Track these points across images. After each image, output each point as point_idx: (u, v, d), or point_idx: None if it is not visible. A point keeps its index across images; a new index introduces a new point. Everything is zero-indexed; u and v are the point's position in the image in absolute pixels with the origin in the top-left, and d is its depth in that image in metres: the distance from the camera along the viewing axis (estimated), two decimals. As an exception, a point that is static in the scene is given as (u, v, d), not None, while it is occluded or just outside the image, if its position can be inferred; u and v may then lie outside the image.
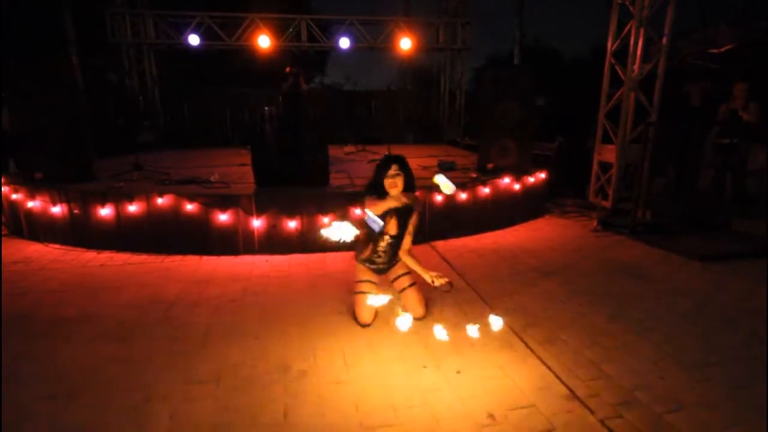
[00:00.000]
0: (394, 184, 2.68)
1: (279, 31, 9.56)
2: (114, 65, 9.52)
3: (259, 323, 2.94)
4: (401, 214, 2.77)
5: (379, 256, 2.87)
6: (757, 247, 4.35)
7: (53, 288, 3.53)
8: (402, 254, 2.93)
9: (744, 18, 6.16)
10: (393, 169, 2.68)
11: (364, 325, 2.86)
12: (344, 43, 9.55)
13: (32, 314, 3.07)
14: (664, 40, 5.12)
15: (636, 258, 4.24)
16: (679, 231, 4.88)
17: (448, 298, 3.29)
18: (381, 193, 2.71)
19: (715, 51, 6.20)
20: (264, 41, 9.15)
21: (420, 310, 2.91)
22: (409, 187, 2.76)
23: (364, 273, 2.93)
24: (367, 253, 2.87)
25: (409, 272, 2.96)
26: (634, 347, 2.60)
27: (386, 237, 2.80)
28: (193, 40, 9.03)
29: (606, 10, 5.55)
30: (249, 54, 10.43)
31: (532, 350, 2.58)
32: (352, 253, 4.28)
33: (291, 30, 9.58)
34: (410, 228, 2.87)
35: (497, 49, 23.82)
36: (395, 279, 2.97)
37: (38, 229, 4.69)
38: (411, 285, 2.93)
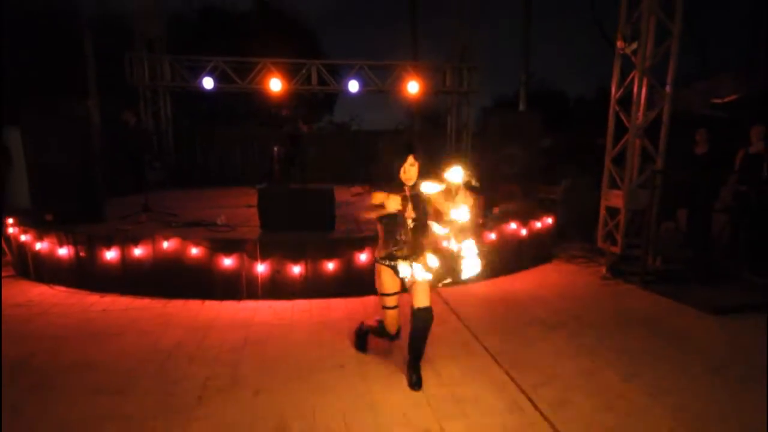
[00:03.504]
0: (409, 175, 2.65)
1: (290, 74, 9.86)
2: (130, 105, 9.84)
3: (259, 376, 2.86)
4: (418, 198, 2.66)
5: (401, 248, 2.70)
6: (772, 299, 4.22)
7: (53, 334, 3.49)
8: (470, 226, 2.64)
9: (747, 68, 6.27)
10: (409, 161, 2.64)
11: (394, 338, 2.89)
12: (353, 86, 9.81)
13: (29, 363, 3.01)
14: (668, 89, 5.18)
15: (648, 310, 4.12)
16: (690, 280, 4.76)
17: (454, 352, 3.19)
18: (394, 184, 2.65)
19: (718, 101, 6.26)
20: (276, 84, 9.43)
21: (425, 301, 2.71)
22: (423, 174, 2.68)
23: (388, 282, 2.75)
24: (388, 248, 2.70)
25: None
26: (650, 413, 2.48)
27: (408, 222, 2.65)
28: (207, 83, 9.34)
29: (608, 53, 5.65)
30: (261, 95, 10.71)
31: (542, 414, 2.46)
32: (356, 300, 4.27)
33: (302, 72, 9.87)
34: (443, 202, 2.62)
35: (503, 88, 24.35)
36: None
37: (44, 270, 4.70)
38: (426, 278, 2.71)
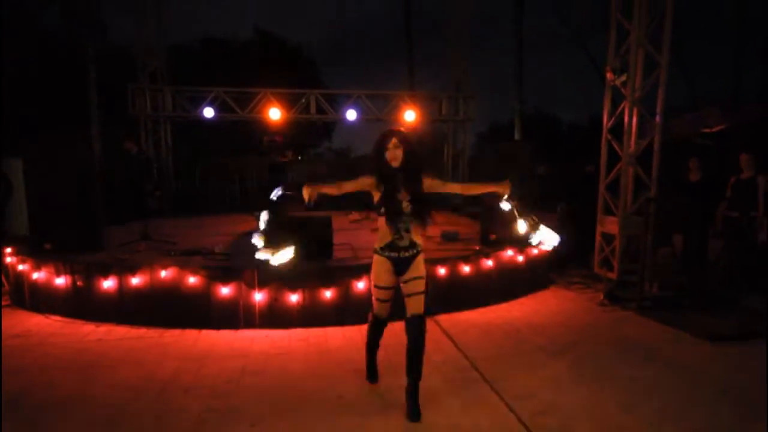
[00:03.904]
0: (394, 156, 2.65)
1: (289, 103, 10.07)
2: (131, 133, 10.00)
3: (256, 408, 2.83)
4: (413, 186, 2.70)
5: (402, 237, 2.69)
6: (770, 325, 4.23)
7: (48, 365, 3.45)
8: (467, 191, 2.99)
9: (735, 101, 6.50)
10: (393, 143, 2.66)
11: (381, 320, 2.91)
12: (351, 115, 10.01)
13: (23, 397, 2.98)
14: (658, 119, 5.33)
15: (646, 336, 4.11)
16: (688, 306, 4.77)
17: (452, 381, 3.17)
18: (383, 169, 2.69)
19: (707, 130, 6.44)
20: (275, 113, 9.62)
21: (419, 308, 2.73)
22: (412, 161, 2.70)
23: (382, 276, 2.76)
24: (388, 237, 2.69)
25: (423, 277, 2.78)
26: (650, 443, 2.46)
27: (404, 207, 2.67)
28: (208, 112, 9.52)
29: (599, 83, 5.82)
30: (261, 124, 10.89)
31: (541, 445, 2.44)
32: (354, 328, 4.25)
33: (302, 102, 10.08)
34: (437, 186, 2.79)
35: (499, 112, 24.93)
36: (410, 280, 2.74)
37: (40, 300, 4.68)
38: (422, 292, 2.75)
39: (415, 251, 2.74)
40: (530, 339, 4.04)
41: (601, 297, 5.20)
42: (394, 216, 2.67)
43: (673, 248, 6.23)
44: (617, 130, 5.65)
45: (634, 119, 5.41)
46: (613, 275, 5.57)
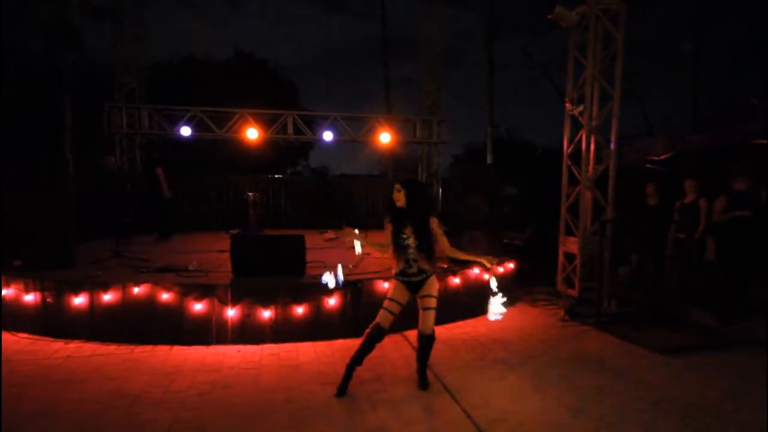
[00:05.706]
0: (397, 198, 3.24)
1: (267, 124, 10.23)
2: (108, 150, 9.91)
3: (225, 420, 2.92)
4: (416, 224, 3.19)
5: (410, 266, 3.22)
6: (712, 340, 4.58)
7: (15, 382, 3.44)
8: (449, 253, 3.37)
9: (693, 129, 7.06)
10: (396, 188, 3.26)
11: (380, 329, 3.21)
12: (328, 136, 10.24)
13: (-11, 411, 2.98)
14: (612, 146, 5.74)
15: (601, 350, 4.37)
16: (643, 321, 5.07)
17: (415, 392, 3.32)
18: (392, 210, 3.28)
19: (655, 158, 6.94)
20: (252, 133, 9.76)
21: (428, 330, 3.27)
22: (415, 202, 3.22)
23: (396, 292, 3.28)
24: (400, 265, 3.25)
25: (435, 296, 3.29)
26: (594, 445, 2.66)
27: (410, 242, 3.19)
28: (185, 131, 9.59)
29: (561, 111, 6.21)
30: (238, 143, 10.99)
31: (494, 449, 2.61)
32: (324, 344, 4.39)
33: (279, 122, 10.26)
34: (437, 230, 3.26)
35: (475, 134, 25.64)
36: (423, 297, 3.28)
37: (7, 317, 4.63)
38: (432, 308, 3.28)
39: (424, 276, 3.27)
40: (493, 352, 4.24)
41: (562, 314, 5.48)
42: (399, 249, 3.23)
43: (630, 267, 6.61)
44: (577, 155, 6.04)
45: (592, 146, 5.82)
46: (574, 293, 5.87)
